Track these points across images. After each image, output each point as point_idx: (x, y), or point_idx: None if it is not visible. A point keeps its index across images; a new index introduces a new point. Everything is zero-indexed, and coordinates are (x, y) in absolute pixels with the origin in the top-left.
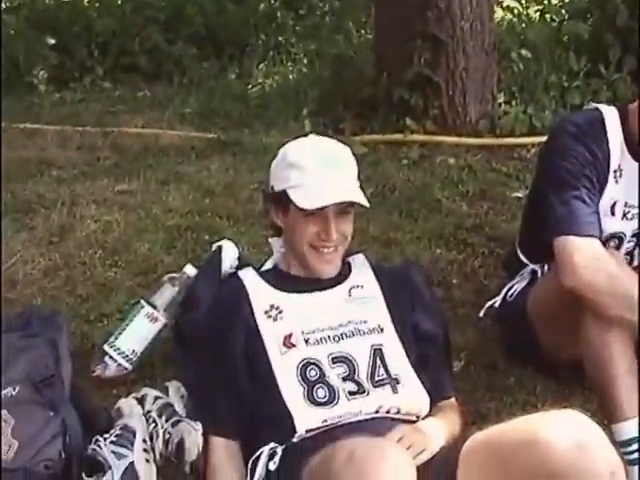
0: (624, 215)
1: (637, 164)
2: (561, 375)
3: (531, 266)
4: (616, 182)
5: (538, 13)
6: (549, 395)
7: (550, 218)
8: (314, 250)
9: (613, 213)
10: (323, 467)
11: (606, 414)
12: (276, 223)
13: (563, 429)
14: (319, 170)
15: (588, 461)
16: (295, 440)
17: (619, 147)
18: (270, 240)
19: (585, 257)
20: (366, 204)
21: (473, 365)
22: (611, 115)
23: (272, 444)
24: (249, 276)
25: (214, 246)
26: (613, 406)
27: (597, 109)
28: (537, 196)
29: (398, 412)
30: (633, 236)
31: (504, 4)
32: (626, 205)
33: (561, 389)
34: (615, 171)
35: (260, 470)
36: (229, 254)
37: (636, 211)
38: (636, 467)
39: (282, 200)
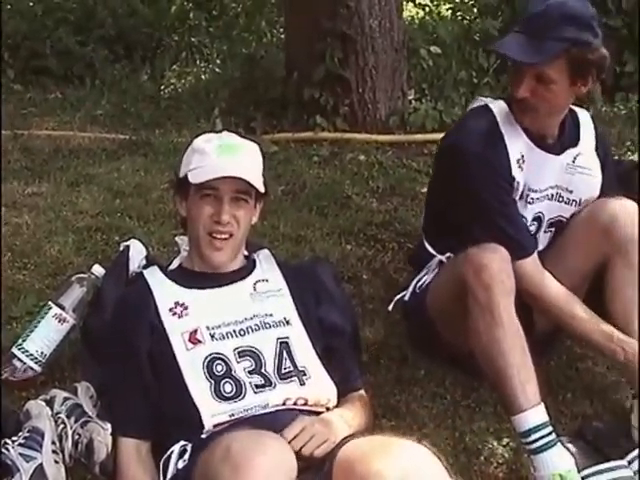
0: (525, 199)
1: (538, 149)
2: (469, 366)
3: (438, 257)
4: (520, 169)
5: (449, 11)
6: (458, 386)
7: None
8: (208, 236)
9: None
10: (204, 464)
11: (504, 406)
12: (183, 216)
13: (390, 466)
14: (218, 153)
15: None
16: (203, 436)
17: (518, 138)
18: (177, 239)
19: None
20: (261, 189)
21: (382, 358)
22: (502, 111)
23: (182, 442)
24: (154, 275)
25: (121, 246)
26: (507, 399)
27: (487, 108)
28: (442, 190)
29: (305, 404)
30: (534, 220)
31: (416, 1)
32: (528, 189)
33: (470, 380)
34: (518, 160)
35: (172, 469)
36: (136, 253)
37: (536, 195)
38: (538, 456)
39: (184, 185)
